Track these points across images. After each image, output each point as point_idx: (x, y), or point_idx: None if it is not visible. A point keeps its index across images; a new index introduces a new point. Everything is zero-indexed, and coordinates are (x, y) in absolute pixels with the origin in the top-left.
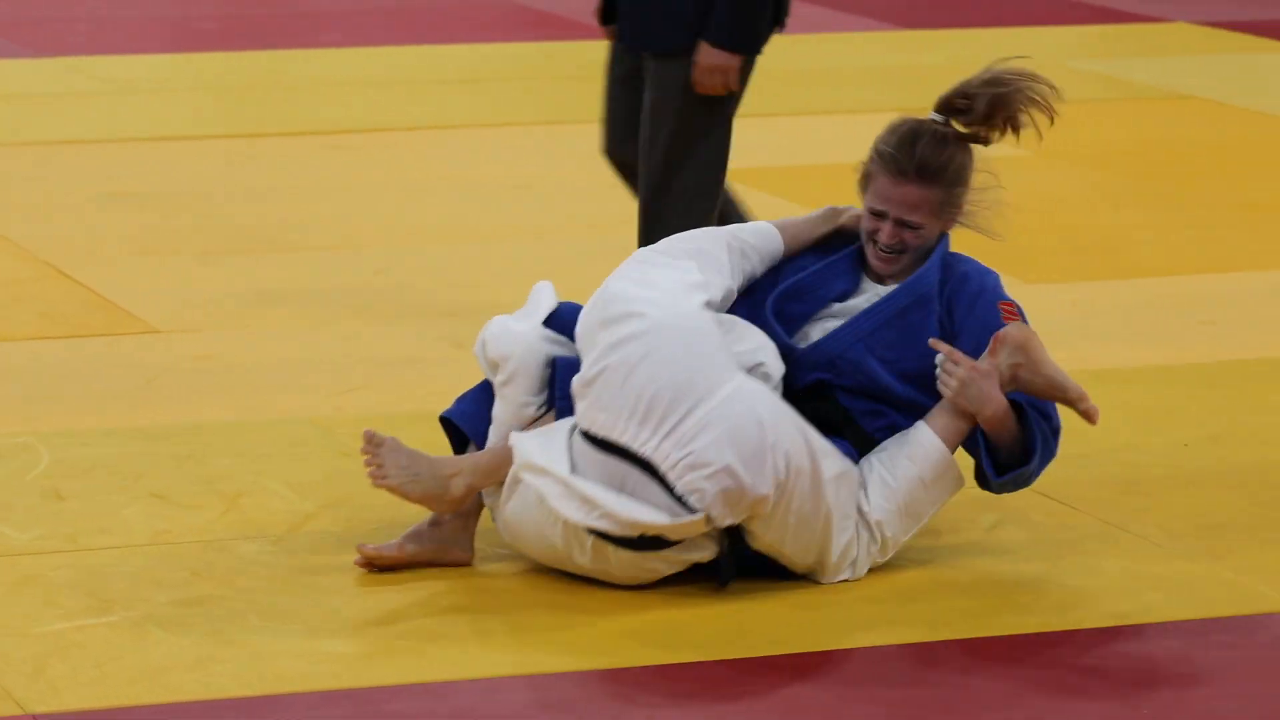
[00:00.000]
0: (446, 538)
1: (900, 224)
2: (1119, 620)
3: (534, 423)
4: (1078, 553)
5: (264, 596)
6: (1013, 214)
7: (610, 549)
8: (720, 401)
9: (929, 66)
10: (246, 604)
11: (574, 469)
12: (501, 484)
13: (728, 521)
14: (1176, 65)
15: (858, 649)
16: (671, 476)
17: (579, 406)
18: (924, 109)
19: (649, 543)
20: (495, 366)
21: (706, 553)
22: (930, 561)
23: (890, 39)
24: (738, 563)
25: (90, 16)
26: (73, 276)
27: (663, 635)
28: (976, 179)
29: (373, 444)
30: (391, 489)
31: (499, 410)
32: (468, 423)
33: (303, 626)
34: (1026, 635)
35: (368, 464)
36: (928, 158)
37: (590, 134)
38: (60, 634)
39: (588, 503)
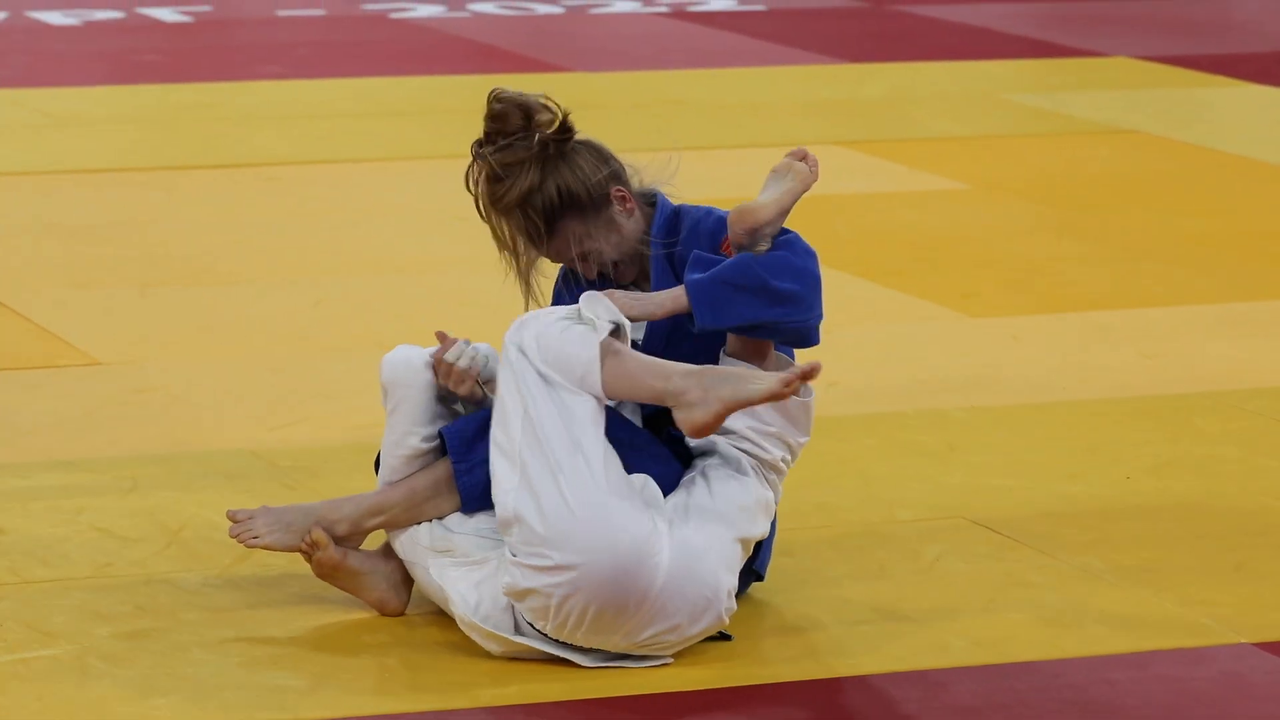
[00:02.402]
0: (384, 573)
1: (582, 260)
2: (1062, 653)
3: (420, 457)
4: (1020, 585)
5: (207, 629)
6: (952, 247)
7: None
8: (660, 590)
9: (869, 99)
10: (189, 637)
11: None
12: (393, 524)
13: None
14: (1116, 99)
15: (786, 683)
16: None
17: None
18: (865, 141)
19: None
20: (384, 392)
21: None
22: (873, 593)
23: (830, 72)
24: None
25: (28, 49)
26: (11, 308)
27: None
28: (590, 167)
29: (236, 519)
30: (265, 546)
31: (385, 438)
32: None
33: (246, 659)
34: (968, 668)
35: (236, 536)
36: (534, 213)
37: None
38: (1, 667)
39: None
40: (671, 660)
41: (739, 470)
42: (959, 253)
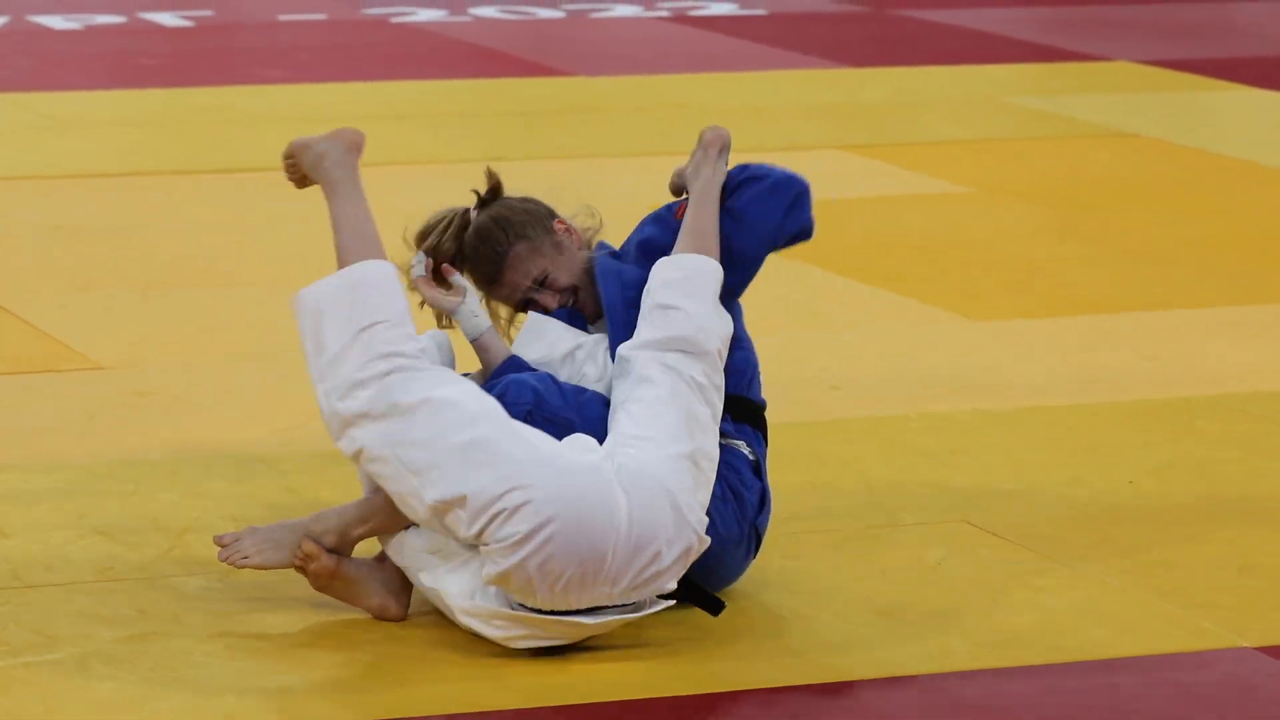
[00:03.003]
0: (382, 578)
1: (540, 287)
2: (1065, 656)
3: None
4: (1023, 588)
5: (209, 632)
6: (954, 250)
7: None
8: (627, 520)
9: (871, 103)
10: (192, 641)
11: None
12: (380, 530)
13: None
14: (1117, 103)
15: (788, 687)
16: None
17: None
18: (866, 145)
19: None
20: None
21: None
22: (876, 596)
23: (832, 76)
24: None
25: (32, 52)
26: (13, 311)
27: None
28: (527, 204)
29: (223, 543)
30: (256, 566)
31: None
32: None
33: (249, 662)
34: (971, 671)
35: (225, 559)
36: (482, 244)
37: (532, 170)
38: (4, 671)
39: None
40: (670, 603)
41: (651, 385)
42: (961, 256)
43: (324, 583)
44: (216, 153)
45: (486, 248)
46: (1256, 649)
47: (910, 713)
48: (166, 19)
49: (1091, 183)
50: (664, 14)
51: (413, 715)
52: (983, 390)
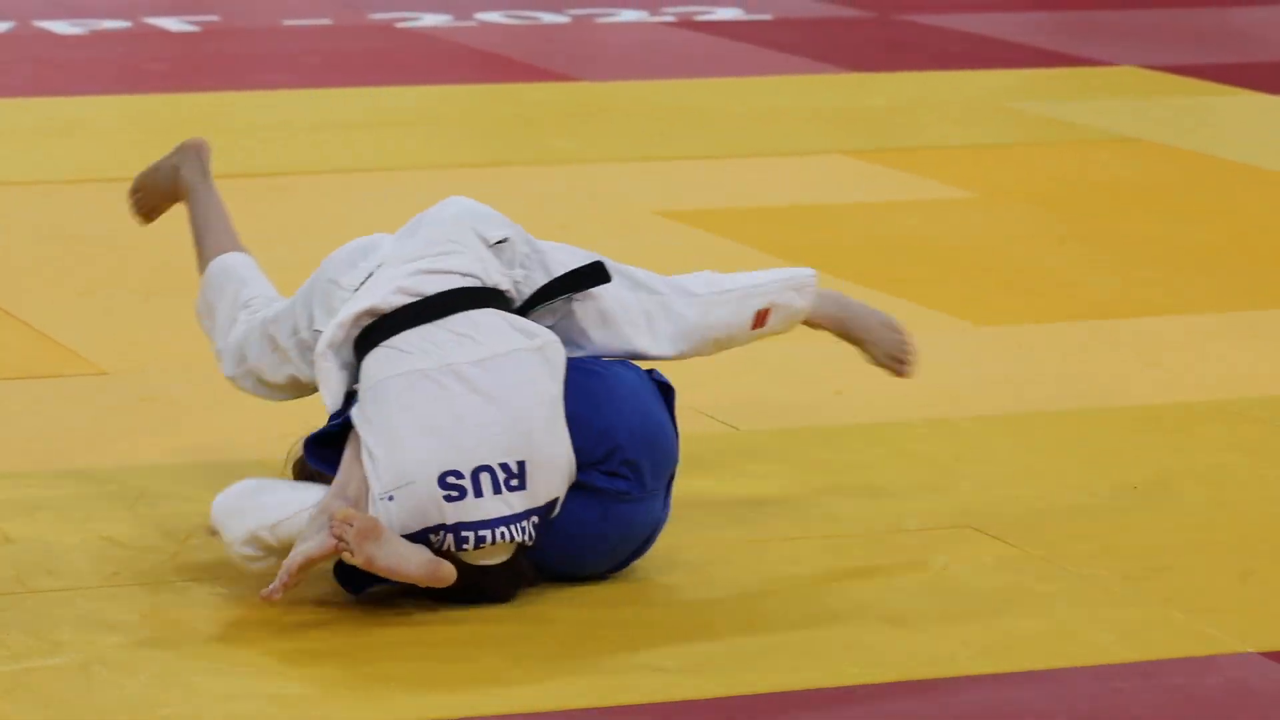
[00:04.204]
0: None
1: None
2: (1068, 662)
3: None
4: (1027, 595)
5: (214, 639)
6: (958, 256)
7: None
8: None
9: (875, 108)
10: (196, 647)
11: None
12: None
13: None
14: (1122, 108)
15: (791, 692)
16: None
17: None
18: (871, 150)
19: None
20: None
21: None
22: (879, 602)
23: (836, 81)
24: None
25: (35, 57)
26: (16, 315)
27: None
28: None
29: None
30: (306, 561)
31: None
32: None
33: (254, 669)
34: (975, 677)
35: (275, 591)
36: None
37: (534, 176)
38: (7, 675)
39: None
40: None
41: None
42: (965, 261)
43: (369, 537)
44: (221, 158)
45: None
46: (1260, 654)
47: (914, 719)
48: (171, 24)
49: (1095, 187)
50: (669, 19)
51: (428, 718)
52: (987, 396)
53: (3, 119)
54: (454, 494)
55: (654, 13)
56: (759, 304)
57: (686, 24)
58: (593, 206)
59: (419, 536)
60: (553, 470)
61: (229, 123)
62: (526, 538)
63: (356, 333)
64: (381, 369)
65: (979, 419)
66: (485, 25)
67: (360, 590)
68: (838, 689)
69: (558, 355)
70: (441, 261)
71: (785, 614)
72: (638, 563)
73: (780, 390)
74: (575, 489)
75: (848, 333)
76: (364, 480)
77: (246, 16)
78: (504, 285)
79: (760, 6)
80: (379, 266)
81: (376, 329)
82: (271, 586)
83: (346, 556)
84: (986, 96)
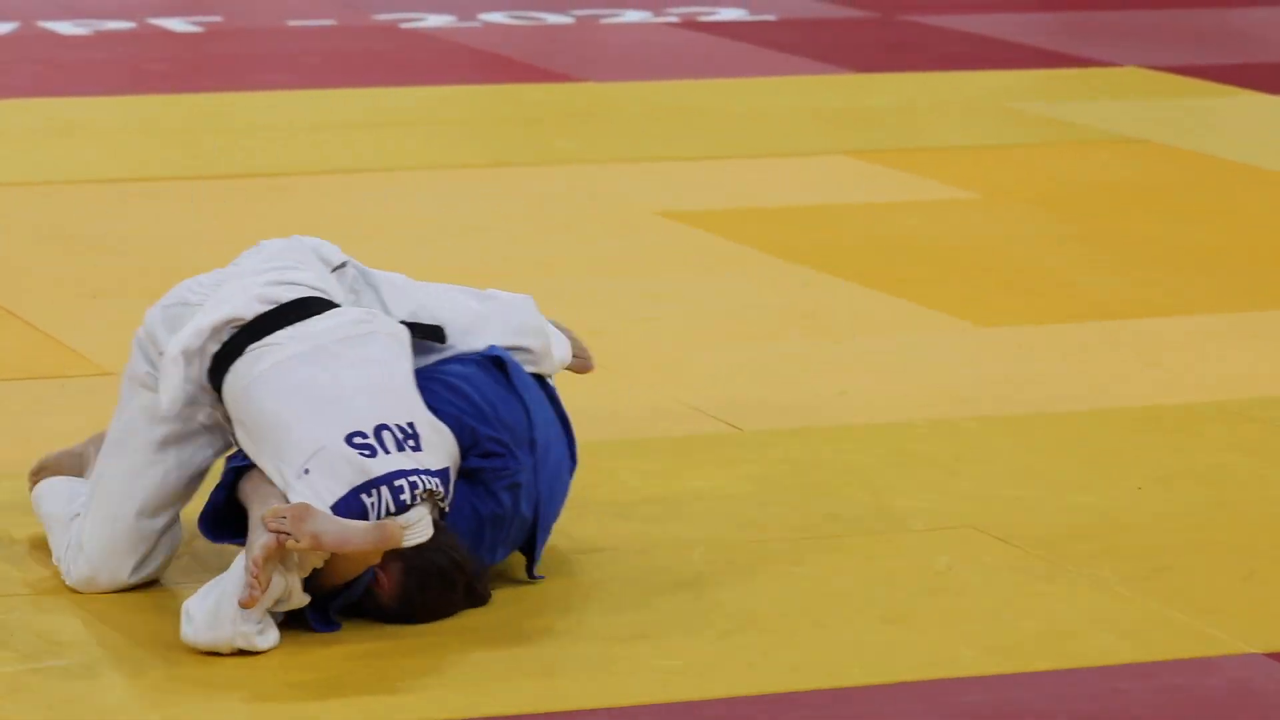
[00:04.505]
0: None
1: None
2: (1071, 663)
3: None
4: (1029, 595)
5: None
6: (961, 256)
7: None
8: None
9: (878, 109)
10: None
11: None
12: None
13: None
14: (1124, 108)
15: (795, 693)
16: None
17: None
18: (873, 151)
19: None
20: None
21: None
22: (882, 603)
23: (839, 82)
24: None
25: (38, 57)
26: (20, 316)
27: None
28: None
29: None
30: (258, 559)
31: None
32: None
33: (259, 668)
34: (980, 677)
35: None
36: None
37: (536, 177)
38: (12, 676)
39: None
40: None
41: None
42: (967, 262)
43: (308, 521)
44: (225, 159)
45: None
46: (1263, 655)
47: (917, 719)
48: (175, 24)
49: (1097, 188)
50: (673, 19)
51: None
52: (988, 396)
53: (6, 119)
54: (365, 452)
55: (657, 13)
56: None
57: (690, 24)
58: (594, 207)
59: (353, 503)
60: (434, 432)
61: (231, 123)
62: (447, 496)
63: (216, 346)
64: (253, 367)
65: (980, 419)
66: (489, 26)
67: (335, 626)
68: (839, 689)
69: (408, 341)
70: (291, 274)
71: (787, 614)
72: (638, 561)
73: (783, 391)
74: (462, 478)
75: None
76: (280, 494)
77: (249, 17)
78: (345, 302)
79: (763, 7)
80: (218, 284)
81: (238, 338)
82: (245, 593)
83: (291, 544)
84: (988, 97)
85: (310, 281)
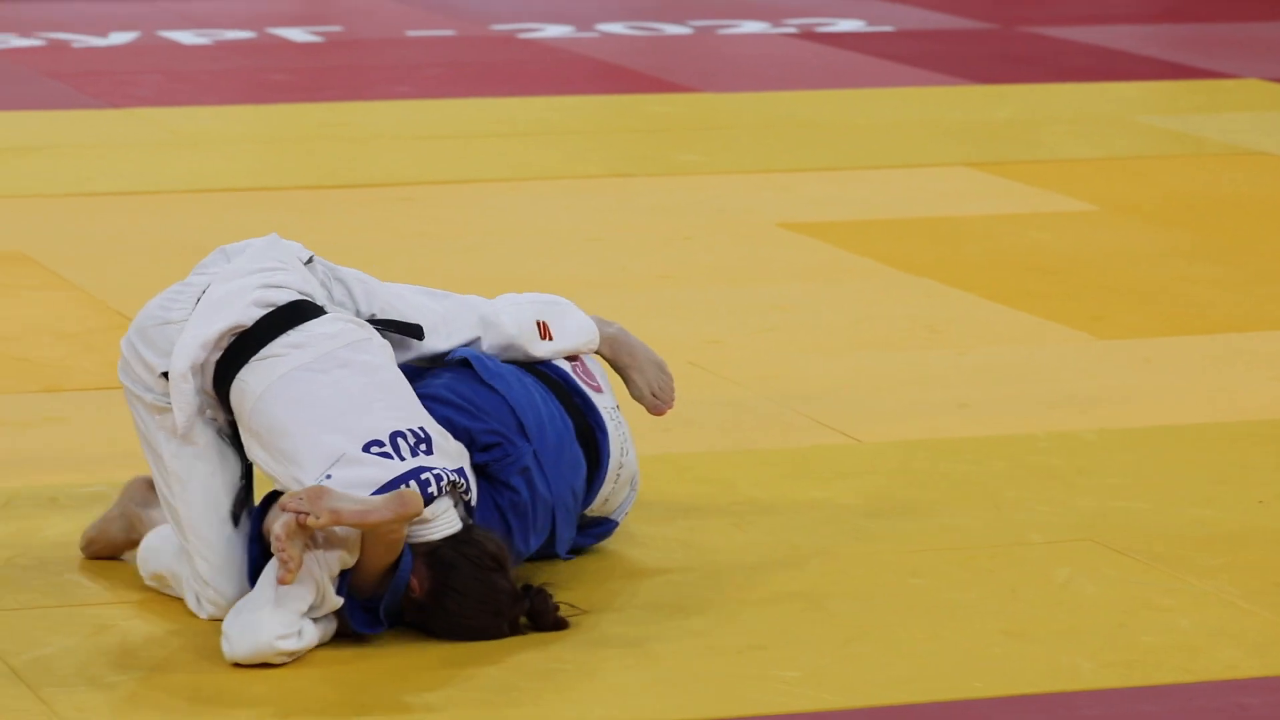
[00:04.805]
0: None
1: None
2: (1193, 677)
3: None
4: (1152, 609)
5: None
6: (1081, 269)
7: None
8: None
9: (998, 121)
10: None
11: None
12: None
13: None
14: (1246, 121)
15: (914, 705)
16: None
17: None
18: (993, 163)
19: None
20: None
21: None
22: (1003, 615)
23: (959, 93)
24: None
25: (160, 68)
26: None
27: None
28: None
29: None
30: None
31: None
32: None
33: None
34: (1101, 691)
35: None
36: None
37: (657, 188)
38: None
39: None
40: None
41: None
42: (1088, 274)
43: (325, 499)
44: (345, 169)
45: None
46: None
47: None
48: (296, 34)
49: (1220, 202)
50: (791, 30)
51: None
52: (1110, 409)
53: (127, 130)
54: (384, 458)
55: (775, 24)
56: (534, 315)
57: (808, 35)
58: (715, 218)
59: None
60: (442, 437)
61: (352, 133)
62: (469, 490)
63: (219, 355)
64: (261, 380)
65: (1103, 432)
66: (607, 36)
67: (380, 627)
68: (959, 702)
69: (389, 346)
70: (278, 277)
71: (904, 626)
72: (754, 572)
73: (902, 402)
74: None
75: (618, 357)
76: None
77: (370, 27)
78: (324, 300)
79: (882, 18)
80: (204, 290)
81: (240, 346)
82: (280, 572)
83: (312, 522)
84: (1108, 109)
85: (297, 284)
